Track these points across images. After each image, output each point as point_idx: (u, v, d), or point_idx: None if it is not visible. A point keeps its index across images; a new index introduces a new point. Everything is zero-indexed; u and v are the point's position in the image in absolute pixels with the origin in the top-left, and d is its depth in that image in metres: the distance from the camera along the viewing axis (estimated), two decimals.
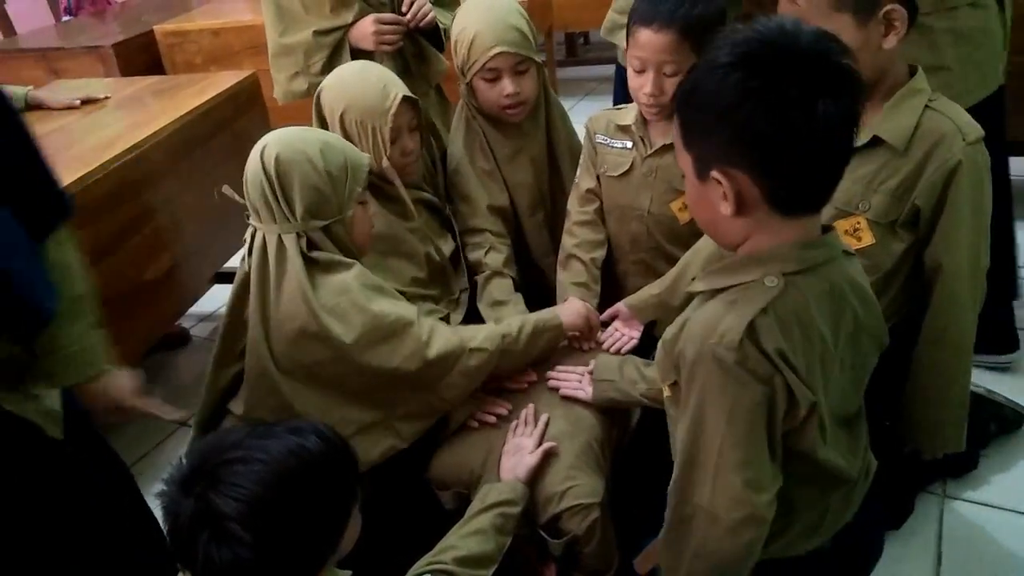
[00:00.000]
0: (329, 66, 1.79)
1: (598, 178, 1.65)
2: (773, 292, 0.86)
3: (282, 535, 0.86)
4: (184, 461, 0.90)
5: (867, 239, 1.29)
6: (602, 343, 1.56)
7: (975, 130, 1.24)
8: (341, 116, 1.55)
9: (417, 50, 1.88)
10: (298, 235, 1.30)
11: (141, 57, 3.07)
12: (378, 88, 1.53)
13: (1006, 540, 1.58)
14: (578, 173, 1.72)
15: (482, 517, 1.23)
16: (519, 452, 1.33)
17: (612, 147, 1.61)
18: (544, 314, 1.49)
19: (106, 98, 2.31)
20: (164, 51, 3.15)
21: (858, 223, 1.29)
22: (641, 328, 1.56)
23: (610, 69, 2.41)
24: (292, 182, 1.28)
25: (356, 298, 1.30)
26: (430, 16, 1.83)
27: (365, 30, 1.79)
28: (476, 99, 1.72)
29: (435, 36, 1.88)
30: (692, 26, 1.39)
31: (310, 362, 1.31)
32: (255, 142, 1.39)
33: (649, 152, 1.56)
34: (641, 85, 1.47)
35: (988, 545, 1.57)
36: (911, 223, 1.29)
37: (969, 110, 1.27)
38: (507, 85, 1.64)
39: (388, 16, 1.81)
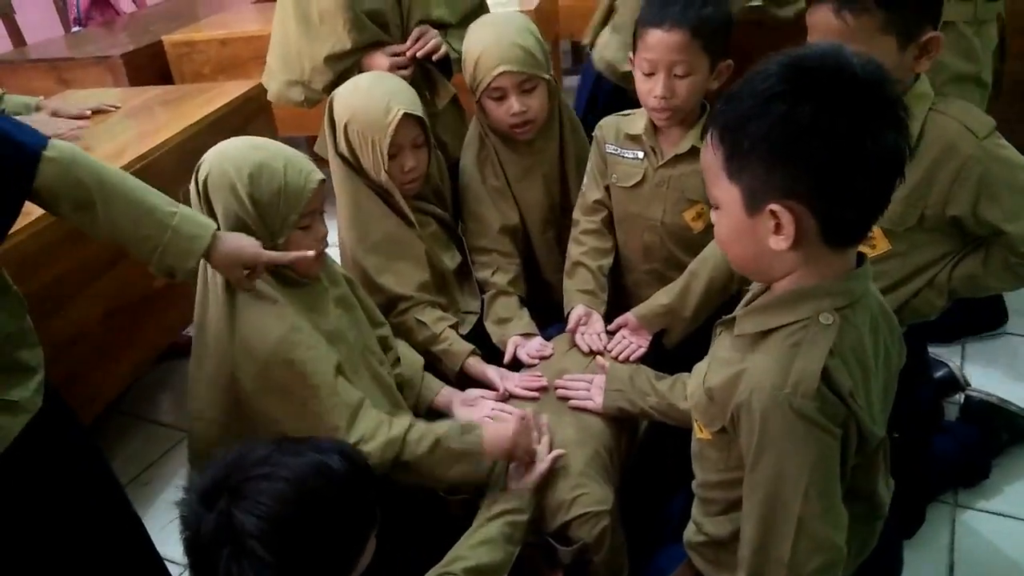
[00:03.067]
0: (331, 87, 1.76)
1: (607, 188, 1.64)
2: (833, 330, 0.84)
3: (303, 555, 0.86)
4: (207, 471, 0.89)
5: (882, 246, 1.29)
6: (610, 351, 1.55)
7: (985, 124, 1.22)
8: (346, 125, 1.56)
9: (423, 74, 1.85)
10: None
11: (150, 67, 3.08)
12: (382, 103, 1.53)
13: (1018, 549, 1.56)
14: (584, 183, 1.70)
15: (490, 526, 1.22)
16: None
17: (624, 157, 1.60)
18: (467, 438, 1.28)
19: (115, 108, 2.32)
20: (172, 61, 3.16)
21: (871, 231, 1.29)
22: (650, 337, 1.56)
23: None
24: (217, 206, 1.24)
25: (269, 341, 1.22)
26: (442, 51, 1.78)
27: (380, 63, 1.75)
28: (487, 117, 1.72)
29: (444, 62, 1.85)
30: (703, 25, 1.40)
31: (229, 389, 1.26)
32: None
33: (661, 163, 1.55)
34: (651, 89, 1.46)
35: (1000, 554, 1.56)
36: (940, 230, 1.28)
37: None
38: (513, 104, 1.63)
39: (402, 60, 1.77)
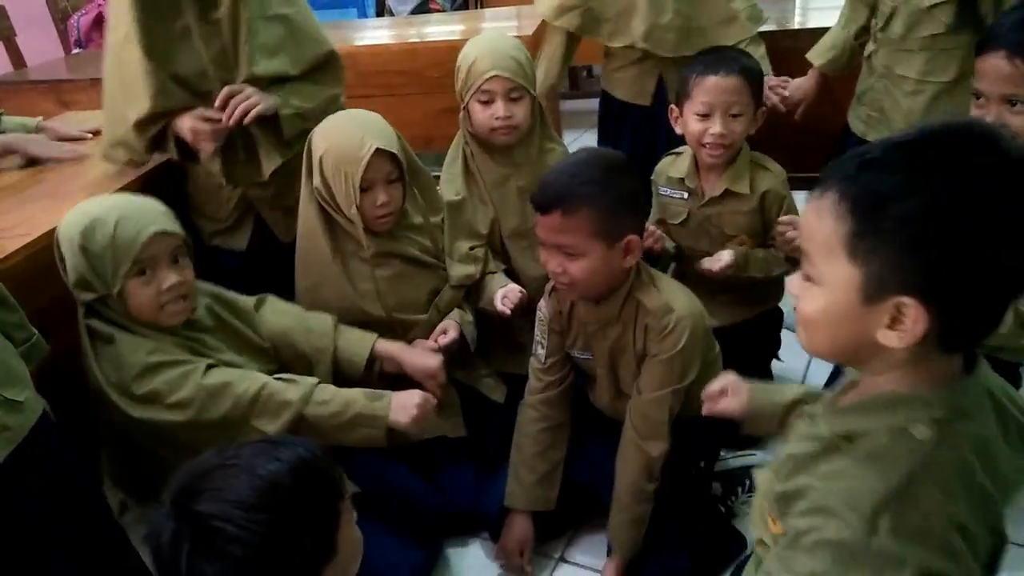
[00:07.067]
0: (152, 148, 1.75)
1: (660, 221, 1.84)
2: (926, 447, 0.72)
3: (276, 534, 0.84)
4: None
5: None
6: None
7: None
8: (321, 159, 1.61)
9: (245, 142, 1.72)
10: (82, 303, 1.41)
11: None
12: (356, 137, 1.58)
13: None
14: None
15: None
16: None
17: (672, 198, 1.79)
18: (376, 405, 1.45)
19: None
20: None
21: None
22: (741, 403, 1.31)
23: None
24: (64, 258, 1.39)
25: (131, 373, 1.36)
26: (254, 112, 1.62)
27: (183, 126, 1.65)
28: (471, 123, 1.81)
29: (275, 120, 1.71)
30: (750, 73, 1.68)
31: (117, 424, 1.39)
32: None
33: (702, 203, 1.75)
34: (707, 128, 1.67)
35: None
36: None
37: None
38: (499, 108, 1.73)
39: (213, 113, 1.64)
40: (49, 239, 1.63)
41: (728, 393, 1.21)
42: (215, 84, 1.65)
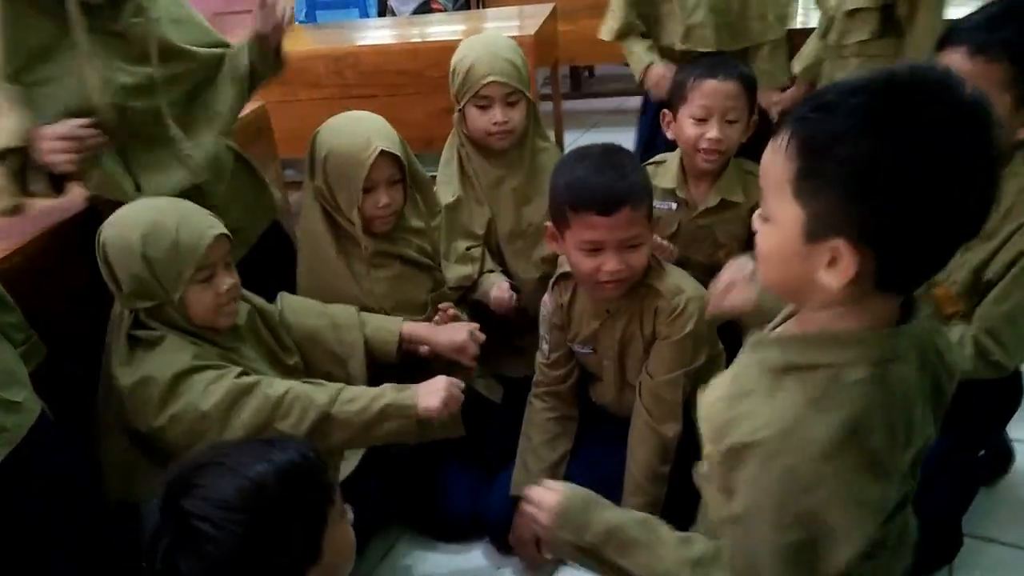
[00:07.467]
0: (21, 183, 1.49)
1: None
2: (864, 389, 0.75)
3: (254, 536, 0.83)
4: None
5: (951, 308, 1.32)
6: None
7: None
8: (325, 159, 1.60)
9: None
10: (129, 312, 1.35)
11: None
12: (362, 139, 1.58)
13: None
14: None
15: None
16: None
17: (660, 209, 1.74)
18: (403, 395, 1.41)
19: None
20: None
21: (947, 291, 1.32)
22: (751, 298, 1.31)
23: (614, 102, 2.45)
24: (115, 267, 1.33)
25: (161, 385, 1.30)
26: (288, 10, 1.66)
27: (35, 146, 1.43)
28: (466, 126, 1.81)
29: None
30: (746, 80, 1.68)
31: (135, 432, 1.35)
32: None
33: (694, 214, 1.74)
34: (703, 132, 1.66)
35: None
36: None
37: None
38: (497, 113, 1.74)
39: (63, 131, 1.42)
40: (44, 241, 1.63)
41: (736, 288, 1.23)
42: (117, 99, 1.52)
